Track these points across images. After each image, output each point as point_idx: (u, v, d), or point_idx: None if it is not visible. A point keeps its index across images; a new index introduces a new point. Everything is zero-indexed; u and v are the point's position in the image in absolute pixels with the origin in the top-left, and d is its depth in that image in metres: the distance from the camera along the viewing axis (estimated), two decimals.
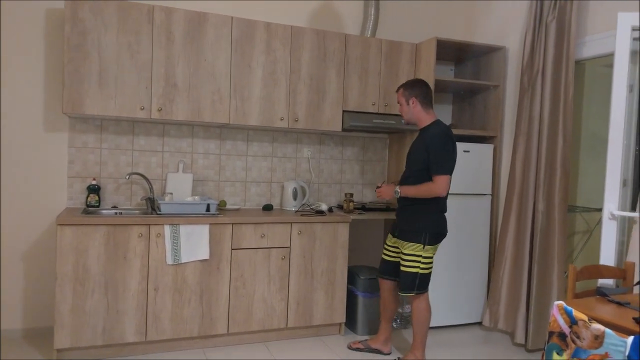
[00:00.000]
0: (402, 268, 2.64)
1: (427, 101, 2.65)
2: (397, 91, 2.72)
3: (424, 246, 2.58)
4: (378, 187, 2.78)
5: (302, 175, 3.57)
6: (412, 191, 2.60)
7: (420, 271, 2.60)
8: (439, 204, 2.61)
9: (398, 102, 2.72)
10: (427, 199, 2.57)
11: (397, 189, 2.65)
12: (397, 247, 2.73)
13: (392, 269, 2.77)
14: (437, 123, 2.64)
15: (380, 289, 2.86)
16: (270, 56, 3.09)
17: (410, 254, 2.60)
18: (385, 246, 2.83)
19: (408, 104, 2.65)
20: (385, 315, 2.87)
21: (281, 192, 3.46)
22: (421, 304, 2.66)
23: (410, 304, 2.75)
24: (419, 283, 2.61)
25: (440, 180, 2.50)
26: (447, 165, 2.53)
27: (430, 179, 2.54)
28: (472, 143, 3.43)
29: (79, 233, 2.55)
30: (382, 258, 2.84)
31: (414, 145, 2.71)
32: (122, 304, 2.64)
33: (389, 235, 2.81)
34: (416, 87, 2.65)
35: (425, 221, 2.59)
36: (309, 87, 3.20)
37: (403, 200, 2.67)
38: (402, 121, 2.82)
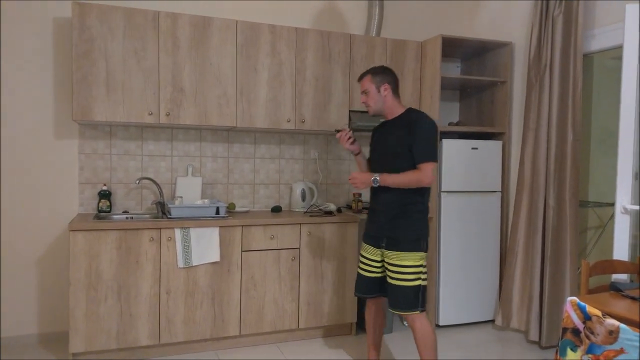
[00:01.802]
0: (399, 283, 2.26)
1: (397, 89, 2.39)
2: (362, 79, 2.40)
3: (423, 254, 2.29)
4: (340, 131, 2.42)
5: (310, 177, 3.57)
6: (394, 180, 2.25)
7: (422, 282, 2.28)
8: (426, 201, 2.34)
9: (363, 92, 2.39)
10: (415, 198, 2.28)
11: (377, 177, 2.26)
12: (380, 261, 2.38)
13: (377, 286, 2.42)
14: (415, 110, 2.39)
15: (369, 309, 2.52)
16: (275, 58, 3.10)
17: (412, 265, 2.25)
18: (364, 260, 2.43)
19: (379, 91, 2.34)
20: (375, 336, 2.54)
21: (289, 194, 3.47)
22: (425, 324, 2.28)
23: (410, 325, 2.31)
24: (423, 297, 2.27)
25: (428, 168, 2.22)
26: (434, 152, 2.26)
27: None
28: (480, 140, 3.41)
29: (91, 238, 2.58)
30: (362, 275, 2.44)
31: (388, 136, 2.38)
32: (135, 307, 2.66)
33: (367, 247, 2.42)
34: (387, 73, 2.37)
35: (422, 225, 2.30)
36: (314, 88, 3.20)
37: (392, 203, 2.31)
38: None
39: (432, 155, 2.26)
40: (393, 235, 2.29)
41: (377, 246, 2.37)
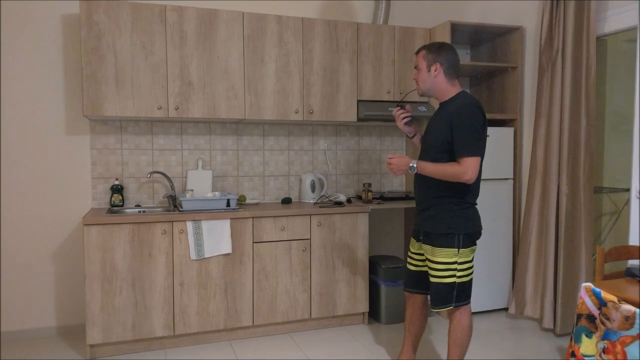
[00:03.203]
0: (432, 280, 2.17)
1: (452, 71, 2.17)
2: (418, 53, 2.22)
3: (458, 250, 2.11)
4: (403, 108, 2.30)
5: (319, 168, 3.57)
6: (432, 169, 2.08)
7: (458, 280, 2.13)
8: (469, 195, 2.14)
9: (415, 67, 2.22)
10: (453, 191, 2.11)
11: (413, 163, 2.10)
12: (421, 254, 2.27)
13: (419, 281, 2.31)
14: (464, 94, 2.16)
15: (407, 303, 2.41)
16: (282, 49, 3.08)
17: (442, 262, 2.12)
18: (409, 254, 2.36)
19: (429, 70, 2.16)
20: (410, 334, 2.40)
21: (299, 185, 3.47)
22: (463, 318, 2.17)
23: (449, 318, 2.22)
24: (458, 294, 2.14)
25: (467, 163, 2.01)
26: (476, 145, 2.04)
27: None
28: (492, 127, 3.36)
29: (104, 232, 2.61)
30: (407, 268, 2.37)
31: (432, 123, 2.23)
32: (149, 299, 2.70)
33: (412, 241, 2.33)
34: (443, 52, 2.15)
35: (456, 219, 2.11)
36: (322, 79, 3.19)
37: (424, 194, 2.20)
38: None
39: (474, 148, 2.03)
40: (426, 229, 2.19)
41: (417, 239, 2.28)
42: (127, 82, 2.80)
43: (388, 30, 3.32)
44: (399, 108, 2.35)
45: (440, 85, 2.17)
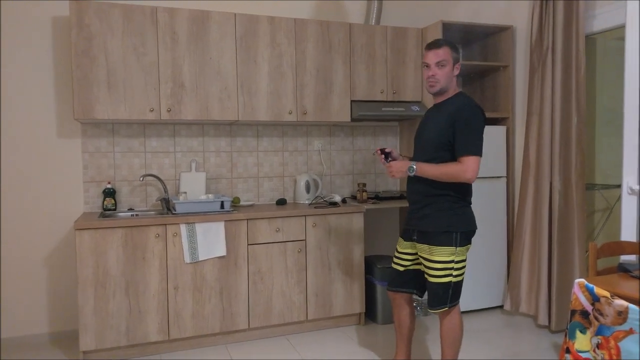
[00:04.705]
0: (430, 279, 2.15)
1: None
2: (440, 47, 2.12)
3: (456, 248, 2.11)
4: (382, 151, 2.26)
5: (314, 168, 3.56)
6: (432, 170, 2.08)
7: (454, 279, 2.13)
8: (467, 194, 2.16)
9: (439, 63, 2.11)
10: (450, 190, 2.11)
11: (413, 165, 2.11)
12: (411, 254, 2.27)
13: (407, 280, 2.30)
14: (463, 95, 2.18)
15: (393, 304, 2.38)
16: (275, 50, 3.08)
17: (440, 261, 2.11)
18: (396, 253, 2.34)
19: (453, 69, 2.14)
20: (401, 334, 2.39)
21: (294, 186, 3.46)
22: (454, 319, 2.18)
23: (439, 319, 2.23)
24: (453, 294, 2.14)
25: (470, 162, 2.03)
26: (478, 144, 2.06)
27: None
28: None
29: (97, 237, 2.59)
30: (393, 269, 2.35)
31: (429, 122, 2.22)
32: (143, 304, 2.68)
33: (400, 240, 2.32)
34: (459, 51, 2.17)
35: (455, 217, 2.12)
36: (315, 79, 3.19)
37: (419, 193, 2.18)
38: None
39: (475, 148, 2.05)
40: (422, 228, 2.16)
41: (409, 239, 2.26)
42: (119, 85, 2.78)
43: (380, 30, 3.33)
44: (379, 153, 2.28)
45: (452, 85, 2.18)
